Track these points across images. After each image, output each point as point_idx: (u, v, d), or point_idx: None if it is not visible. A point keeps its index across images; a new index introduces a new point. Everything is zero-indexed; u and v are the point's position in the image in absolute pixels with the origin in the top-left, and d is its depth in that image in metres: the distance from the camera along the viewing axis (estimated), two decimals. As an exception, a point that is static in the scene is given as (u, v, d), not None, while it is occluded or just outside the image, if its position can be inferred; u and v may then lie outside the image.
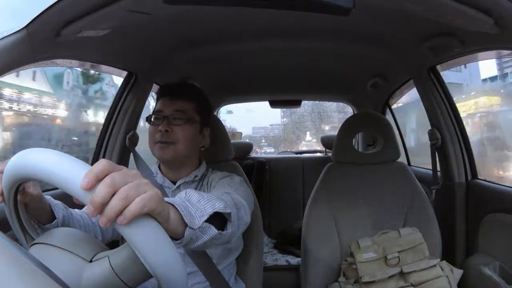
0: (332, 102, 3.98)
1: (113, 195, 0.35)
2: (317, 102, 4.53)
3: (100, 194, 0.34)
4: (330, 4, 0.57)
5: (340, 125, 1.25)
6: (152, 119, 0.89)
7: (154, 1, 0.71)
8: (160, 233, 0.38)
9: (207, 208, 0.57)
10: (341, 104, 2.98)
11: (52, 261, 0.39)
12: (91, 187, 0.34)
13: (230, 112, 3.77)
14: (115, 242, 0.90)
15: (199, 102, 0.92)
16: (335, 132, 1.39)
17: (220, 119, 1.30)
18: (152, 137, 0.87)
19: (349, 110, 2.45)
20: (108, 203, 0.35)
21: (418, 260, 0.99)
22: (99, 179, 0.35)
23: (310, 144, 5.01)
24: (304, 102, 2.70)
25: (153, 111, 0.91)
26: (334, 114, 5.02)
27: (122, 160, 1.20)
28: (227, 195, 0.72)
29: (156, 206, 0.38)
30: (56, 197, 0.69)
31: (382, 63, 1.35)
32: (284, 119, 6.22)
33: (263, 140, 6.09)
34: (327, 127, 5.14)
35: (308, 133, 5.36)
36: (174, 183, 0.92)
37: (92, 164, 0.36)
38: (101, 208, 0.35)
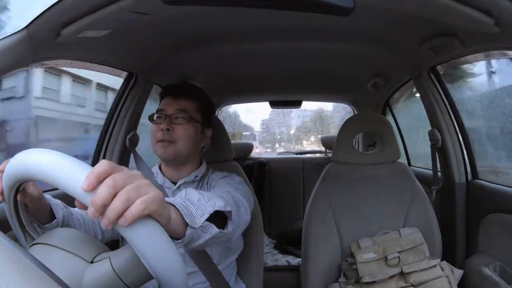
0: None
1: (115, 196, 0.35)
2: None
3: (101, 196, 0.34)
4: (330, 4, 0.57)
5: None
6: (155, 118, 0.90)
7: (154, 1, 0.71)
8: (161, 234, 0.38)
9: (208, 207, 0.57)
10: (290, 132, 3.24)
11: (53, 262, 0.39)
12: (92, 189, 0.34)
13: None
14: (115, 241, 0.90)
15: (201, 102, 0.93)
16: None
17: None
18: (154, 135, 0.88)
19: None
20: (109, 205, 0.34)
21: (418, 260, 0.99)
22: (100, 181, 0.35)
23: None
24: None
25: (156, 110, 0.92)
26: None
27: (123, 161, 1.20)
28: (227, 193, 0.72)
29: (158, 207, 0.38)
30: (56, 196, 0.69)
31: (383, 63, 1.34)
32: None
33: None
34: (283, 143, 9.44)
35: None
36: (175, 183, 0.92)
37: (92, 165, 0.36)
38: (103, 209, 0.34)
